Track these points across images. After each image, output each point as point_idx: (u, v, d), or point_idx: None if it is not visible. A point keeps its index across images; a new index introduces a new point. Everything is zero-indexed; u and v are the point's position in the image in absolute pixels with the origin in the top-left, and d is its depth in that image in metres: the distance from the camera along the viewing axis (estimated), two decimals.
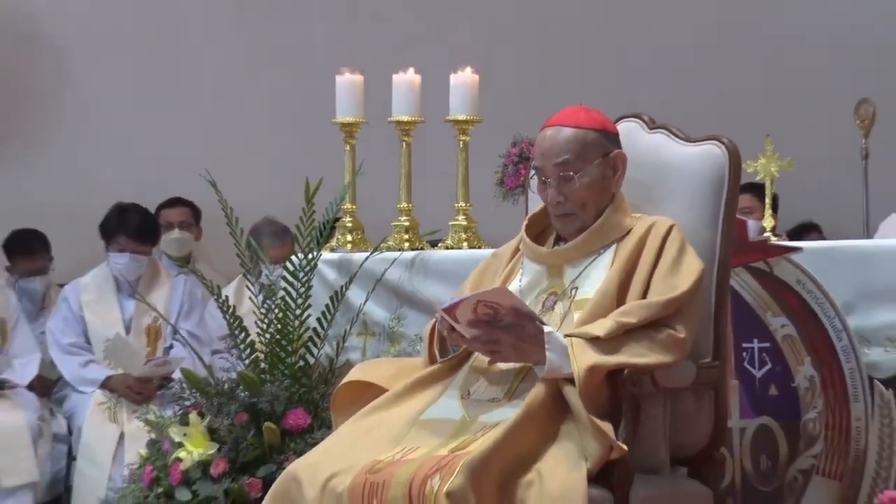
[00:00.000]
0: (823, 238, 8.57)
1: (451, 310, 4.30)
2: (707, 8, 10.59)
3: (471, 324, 4.29)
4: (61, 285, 9.23)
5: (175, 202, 9.37)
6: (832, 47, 10.69)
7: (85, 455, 8.62)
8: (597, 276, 4.48)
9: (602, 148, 4.53)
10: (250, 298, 5.72)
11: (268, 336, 5.55)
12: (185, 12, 9.98)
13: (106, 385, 8.75)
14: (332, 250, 5.91)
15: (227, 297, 5.94)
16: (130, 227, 8.75)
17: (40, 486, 8.65)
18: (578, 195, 4.51)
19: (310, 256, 5.60)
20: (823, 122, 9.25)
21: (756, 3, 10.69)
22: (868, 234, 7.11)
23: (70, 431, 8.82)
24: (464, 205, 5.95)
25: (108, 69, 9.92)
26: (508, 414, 4.25)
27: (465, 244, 5.85)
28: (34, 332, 9.00)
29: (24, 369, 8.82)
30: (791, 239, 7.94)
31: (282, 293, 5.56)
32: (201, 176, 5.84)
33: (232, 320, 5.65)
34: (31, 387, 8.82)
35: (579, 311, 4.43)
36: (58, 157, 9.84)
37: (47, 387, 8.99)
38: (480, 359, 4.43)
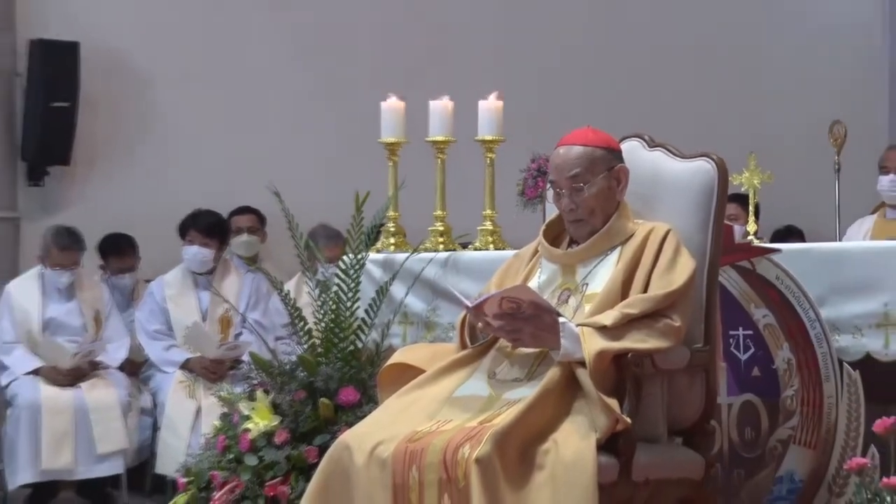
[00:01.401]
0: (804, 241, 8.55)
1: (479, 306, 4.32)
2: (703, 42, 10.61)
3: (496, 316, 4.30)
4: (147, 281, 9.25)
5: (244, 210, 9.40)
6: (809, 75, 10.69)
7: (167, 426, 8.65)
8: (604, 274, 4.48)
9: (607, 162, 4.54)
10: (308, 292, 5.73)
11: (323, 324, 5.55)
12: (253, 48, 10.01)
13: (185, 366, 8.77)
14: (378, 251, 5.92)
15: (288, 291, 5.95)
16: (200, 223, 8.88)
17: (129, 452, 8.68)
18: (587, 203, 4.51)
19: (359, 257, 5.61)
20: (801, 140, 9.23)
21: (742, 39, 10.69)
22: (839, 237, 7.09)
23: (155, 406, 8.85)
24: (490, 212, 5.95)
25: (188, 96, 9.93)
26: (529, 392, 4.26)
27: (491, 246, 5.85)
28: (124, 320, 9.03)
29: (116, 353, 8.85)
30: (775, 241, 7.93)
31: (335, 288, 5.56)
32: (267, 188, 5.85)
33: (292, 311, 5.65)
34: (121, 367, 8.85)
35: (589, 303, 4.43)
36: (144, 171, 9.86)
37: (135, 367, 9.02)
38: (505, 344, 4.43)
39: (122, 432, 8.57)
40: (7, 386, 8.63)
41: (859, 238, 7.81)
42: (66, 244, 8.81)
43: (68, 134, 9.64)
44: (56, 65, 9.55)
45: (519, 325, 4.30)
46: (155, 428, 8.78)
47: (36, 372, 8.61)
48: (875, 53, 10.94)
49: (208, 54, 9.93)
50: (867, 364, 4.79)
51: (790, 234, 9.29)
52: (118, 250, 9.42)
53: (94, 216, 9.51)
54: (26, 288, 8.84)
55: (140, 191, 9.76)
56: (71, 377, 8.60)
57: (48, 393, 8.53)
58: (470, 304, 4.36)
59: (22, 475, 8.49)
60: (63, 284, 8.80)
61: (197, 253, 8.83)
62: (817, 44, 10.84)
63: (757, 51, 10.74)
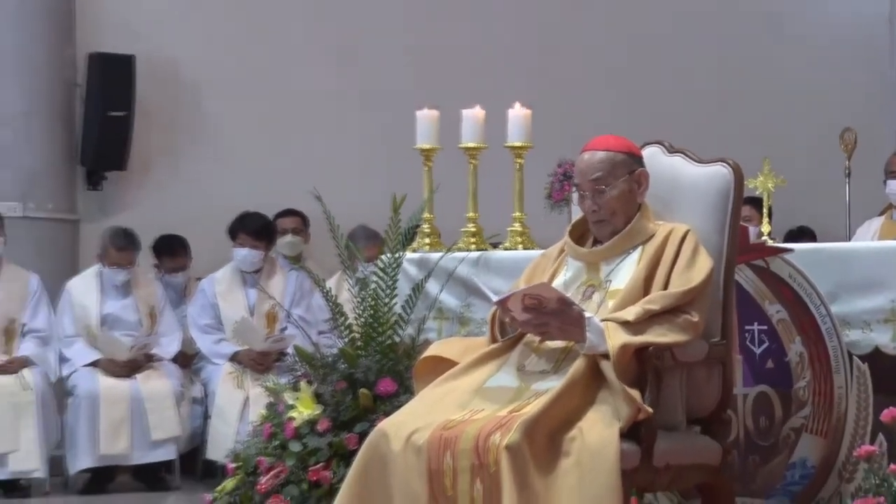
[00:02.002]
0: (815, 241, 8.53)
1: (503, 301, 4.33)
2: (721, 54, 10.61)
3: (525, 310, 4.30)
4: (198, 279, 9.28)
5: (288, 212, 9.41)
6: (820, 85, 10.67)
7: (217, 414, 8.68)
8: (627, 272, 4.47)
9: (628, 166, 4.53)
10: (348, 289, 5.73)
11: (362, 320, 5.56)
12: (297, 60, 10.03)
13: (234, 358, 8.79)
14: (414, 251, 5.92)
15: (330, 288, 5.95)
16: (249, 226, 8.92)
17: (182, 439, 8.70)
18: (609, 205, 4.51)
19: (396, 256, 5.61)
20: (813, 146, 9.19)
21: (757, 52, 10.68)
22: (849, 237, 7.07)
23: (205, 395, 8.87)
24: (519, 214, 5.94)
25: (236, 105, 9.96)
26: (556, 383, 4.25)
27: (520, 246, 5.85)
28: (177, 316, 9.06)
29: (169, 346, 8.88)
30: (789, 241, 7.91)
31: (373, 285, 5.56)
32: (310, 191, 5.85)
33: (334, 307, 5.66)
34: (174, 360, 8.88)
35: (612, 299, 4.42)
36: (195, 176, 9.88)
37: (187, 360, 9.04)
38: (532, 339, 4.43)
39: (175, 420, 8.59)
40: (68, 377, 8.67)
41: (868, 238, 7.78)
42: (122, 244, 8.85)
43: (124, 141, 9.67)
44: (113, 76, 9.59)
45: (546, 318, 4.29)
46: (205, 416, 8.80)
47: (95, 364, 8.64)
48: (884, 63, 10.92)
49: (255, 66, 9.97)
50: (875, 357, 4.77)
51: (802, 234, 9.26)
52: (171, 250, 9.45)
53: (148, 218, 9.54)
54: (86, 285, 8.88)
55: (191, 194, 9.78)
56: (127, 369, 8.63)
57: (106, 383, 8.56)
58: (495, 300, 4.37)
59: (82, 460, 8.52)
60: (120, 282, 8.83)
61: (248, 255, 8.87)
62: (829, 55, 10.82)
63: (771, 62, 10.73)
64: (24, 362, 8.50)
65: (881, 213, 8.09)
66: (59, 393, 8.65)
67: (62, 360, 8.68)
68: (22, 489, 8.46)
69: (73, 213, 9.67)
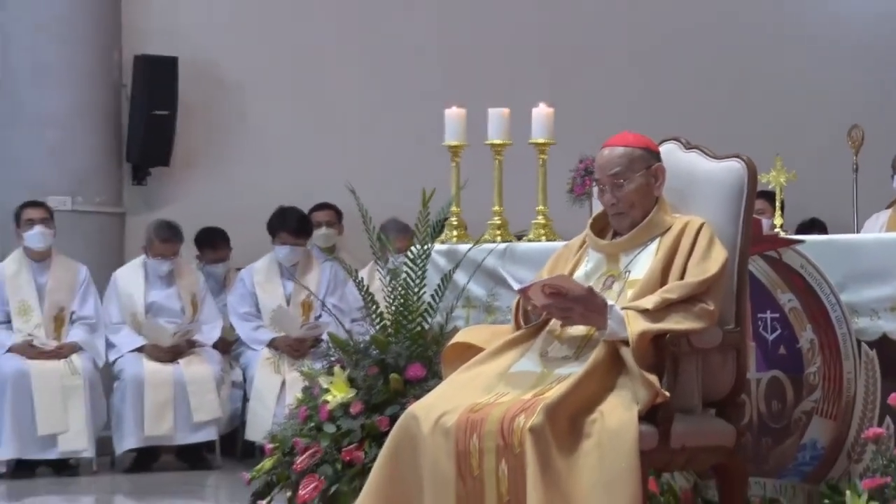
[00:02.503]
0: (826, 232, 8.50)
1: (525, 290, 4.33)
2: (736, 55, 10.61)
3: (549, 297, 4.30)
4: (238, 269, 9.30)
5: (323, 206, 9.42)
6: (829, 84, 10.64)
7: (256, 398, 8.69)
8: (645, 262, 4.46)
9: (645, 161, 4.52)
10: (380, 279, 5.73)
11: (393, 308, 5.55)
12: (332, 61, 10.05)
13: (271, 344, 8.81)
14: (442, 242, 5.91)
15: (362, 278, 5.95)
16: (289, 224, 8.92)
17: (222, 420, 8.73)
18: (627, 198, 4.50)
19: (425, 247, 5.61)
20: (823, 142, 9.16)
21: (770, 54, 10.68)
22: (857, 230, 7.04)
23: (244, 379, 8.89)
24: (542, 208, 5.92)
25: (274, 104, 9.98)
26: (577, 368, 4.25)
27: (543, 238, 5.83)
28: (217, 304, 9.08)
29: (210, 332, 8.89)
30: (801, 232, 7.88)
31: (404, 275, 5.56)
32: (344, 186, 5.85)
33: (366, 296, 5.66)
34: (215, 345, 8.90)
35: (631, 289, 4.41)
36: (235, 171, 9.90)
37: (227, 346, 9.06)
38: (555, 326, 4.42)
39: (216, 403, 8.62)
40: (114, 362, 8.70)
41: (875, 230, 7.76)
42: (166, 236, 8.87)
43: (168, 138, 9.69)
44: (157, 77, 9.61)
45: (570, 305, 4.29)
46: (245, 399, 8.82)
47: (140, 349, 8.67)
48: (891, 63, 10.88)
49: (293, 67, 9.99)
50: (883, 344, 4.75)
51: (814, 226, 9.23)
52: (212, 242, 9.47)
53: (191, 211, 9.56)
54: (131, 275, 8.90)
55: (231, 189, 9.81)
56: (171, 354, 8.65)
57: (150, 368, 8.59)
58: (517, 288, 4.37)
59: (128, 441, 8.55)
60: (164, 272, 8.85)
61: (290, 252, 8.90)
62: (838, 55, 10.80)
63: (783, 62, 10.72)
64: (73, 348, 8.54)
65: (888, 207, 8.07)
66: (107, 377, 8.68)
67: (109, 345, 8.71)
68: (71, 468, 8.50)
69: (119, 206, 9.70)
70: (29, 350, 8.45)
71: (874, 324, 4.75)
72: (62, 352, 8.50)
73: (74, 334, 8.60)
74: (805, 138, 9.92)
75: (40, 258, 8.72)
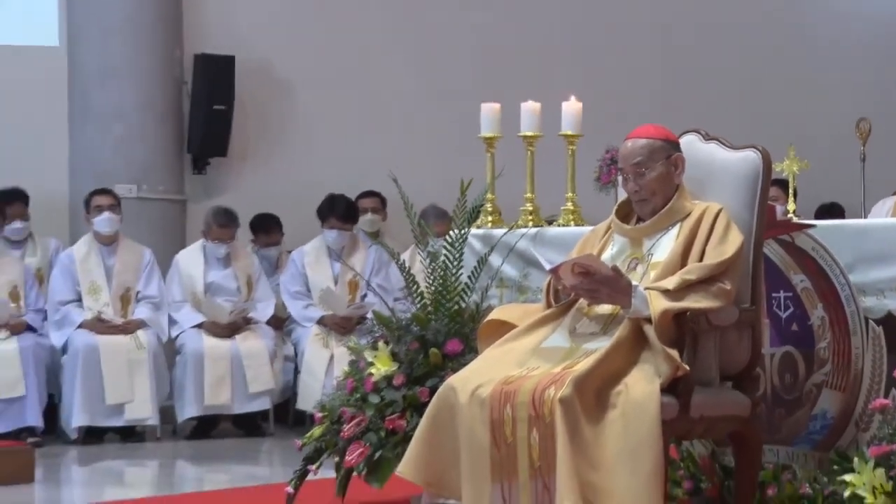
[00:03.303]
0: (844, 216, 8.45)
1: (555, 269, 4.32)
2: (751, 53, 10.58)
3: (577, 277, 4.28)
4: (290, 251, 9.32)
5: (368, 193, 9.43)
6: (839, 79, 10.61)
7: (306, 370, 8.72)
8: (666, 246, 4.44)
9: (666, 151, 4.50)
10: (420, 261, 5.73)
11: (433, 288, 5.55)
12: (377, 59, 10.07)
13: (320, 321, 8.83)
14: (478, 227, 5.90)
15: (404, 260, 5.95)
16: (338, 210, 8.95)
17: (275, 391, 8.77)
18: (649, 186, 4.48)
19: (462, 232, 5.60)
20: (833, 134, 9.11)
21: (783, 52, 10.66)
22: (864, 215, 7.00)
23: (296, 354, 8.92)
24: (571, 195, 5.91)
25: (323, 99, 10.00)
26: (604, 344, 4.23)
27: (572, 223, 5.82)
28: (270, 284, 9.11)
29: (264, 310, 8.92)
30: (820, 216, 7.83)
31: (443, 258, 5.55)
32: (387, 175, 5.85)
33: (408, 277, 5.66)
34: (269, 322, 8.92)
35: (654, 270, 4.40)
36: (287, 162, 9.93)
37: (280, 322, 9.09)
38: (583, 304, 4.41)
39: (270, 375, 8.65)
40: (176, 337, 8.74)
41: (882, 215, 7.69)
42: (224, 222, 8.90)
43: (225, 131, 9.72)
44: (216, 75, 9.63)
45: (598, 286, 4.28)
46: (296, 372, 8.84)
47: (199, 326, 8.71)
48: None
49: (340, 65, 10.01)
50: (889, 321, 4.72)
51: (833, 209, 9.22)
52: (266, 227, 9.50)
53: (246, 199, 9.60)
54: (192, 257, 8.94)
55: (284, 177, 9.84)
56: (228, 330, 8.68)
57: (209, 343, 8.63)
58: (548, 268, 4.36)
59: (189, 410, 8.59)
60: (221, 255, 8.88)
61: (338, 236, 8.93)
62: (847, 52, 10.77)
63: (795, 58, 10.71)
64: (139, 325, 8.58)
65: (894, 193, 8.02)
66: (169, 351, 8.73)
67: (171, 322, 8.75)
68: (137, 435, 8.56)
69: (180, 194, 9.74)
70: (98, 326, 8.50)
71: (881, 302, 4.71)
72: (129, 328, 8.54)
73: (140, 312, 8.65)
74: (817, 129, 9.88)
75: (108, 242, 8.77)
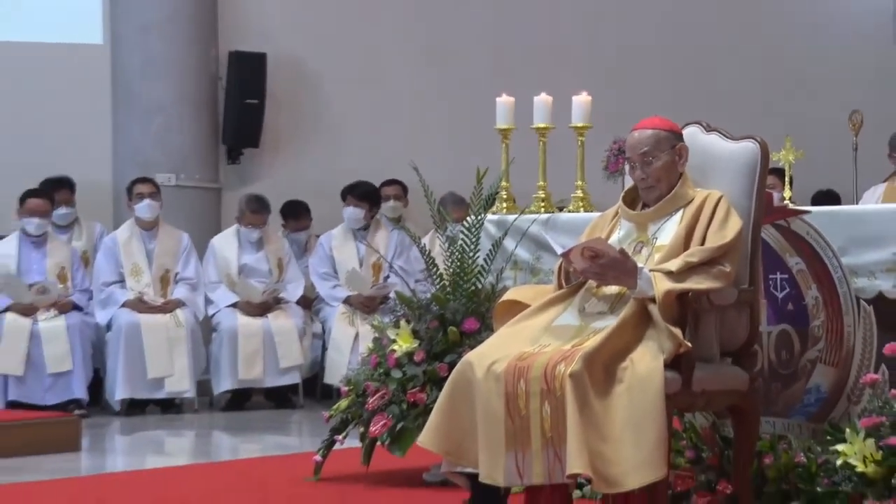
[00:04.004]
0: (840, 202, 8.43)
1: (566, 253, 4.31)
2: (750, 49, 10.55)
3: (587, 259, 4.27)
4: (318, 236, 9.33)
5: (391, 182, 9.42)
6: (832, 73, 10.57)
7: (333, 347, 8.73)
8: (670, 230, 4.42)
9: (671, 141, 4.47)
10: (440, 245, 5.72)
11: (451, 270, 5.54)
12: (399, 57, 10.08)
13: (346, 301, 8.84)
14: (494, 213, 5.88)
15: (424, 244, 5.94)
16: (356, 191, 8.98)
17: (304, 366, 8.79)
18: (655, 174, 4.45)
19: (479, 217, 5.58)
20: (827, 125, 9.08)
21: (781, 50, 10.63)
22: (857, 201, 6.97)
23: (323, 331, 8.93)
24: (581, 183, 5.89)
25: (349, 94, 10.01)
26: (611, 322, 4.21)
27: (581, 209, 5.80)
28: (300, 266, 9.12)
29: (294, 291, 8.94)
30: (817, 201, 7.79)
31: (460, 242, 5.54)
32: (409, 164, 5.84)
33: (428, 260, 5.65)
34: (298, 302, 8.94)
35: (658, 253, 4.37)
36: (315, 152, 9.94)
37: (309, 302, 9.11)
38: (592, 285, 4.39)
39: (299, 352, 8.67)
40: (212, 316, 8.76)
41: (873, 201, 7.68)
42: (256, 208, 8.91)
43: (258, 124, 9.74)
44: (249, 71, 9.64)
45: (605, 268, 4.26)
46: (323, 348, 8.86)
47: (234, 305, 8.73)
48: (888, 54, 10.81)
49: (365, 61, 10.01)
50: (879, 301, 4.69)
51: (830, 196, 9.20)
52: (295, 213, 9.51)
53: (277, 187, 9.61)
54: (226, 241, 8.96)
55: (312, 167, 9.85)
56: (260, 309, 8.70)
57: (243, 321, 8.65)
58: (559, 251, 4.35)
59: (224, 383, 8.62)
60: (254, 238, 8.89)
61: (352, 212, 8.96)
62: (841, 47, 10.73)
63: (792, 53, 10.69)
64: (178, 304, 8.60)
65: (884, 181, 7.99)
66: (206, 329, 8.75)
67: (208, 302, 8.77)
68: (175, 406, 8.59)
69: (216, 183, 9.75)
70: (140, 305, 8.52)
71: (871, 283, 4.69)
72: (168, 307, 8.56)
73: (178, 292, 8.67)
74: (811, 121, 9.84)
75: (149, 227, 8.78)
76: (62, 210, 8.91)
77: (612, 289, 4.34)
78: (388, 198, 9.33)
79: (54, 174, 9.03)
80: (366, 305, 8.75)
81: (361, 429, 5.37)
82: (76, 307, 8.50)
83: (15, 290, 8.34)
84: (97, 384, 8.55)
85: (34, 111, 9.40)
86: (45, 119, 9.39)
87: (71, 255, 8.67)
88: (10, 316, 8.29)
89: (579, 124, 5.85)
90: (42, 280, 8.41)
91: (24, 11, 9.59)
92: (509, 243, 5.68)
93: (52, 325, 8.29)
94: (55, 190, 8.88)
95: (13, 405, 8.15)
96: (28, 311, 8.31)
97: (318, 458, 5.44)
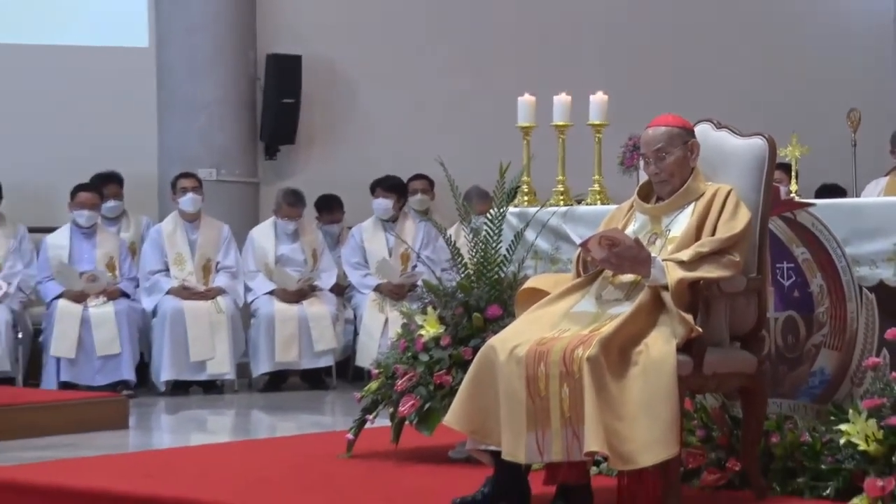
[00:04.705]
0: (844, 195, 8.39)
1: (585, 243, 4.29)
2: (757, 50, 10.53)
3: (603, 249, 4.25)
4: (350, 228, 9.34)
5: (419, 176, 9.43)
6: (832, 73, 10.54)
7: (364, 332, 8.75)
8: (682, 222, 4.40)
9: (683, 138, 4.46)
10: (464, 236, 5.70)
11: (475, 259, 5.53)
12: (427, 58, 10.09)
13: (377, 289, 8.85)
14: (515, 206, 5.86)
15: (450, 235, 5.93)
16: (384, 183, 8.98)
17: (337, 350, 8.80)
18: (668, 168, 4.43)
19: (501, 210, 5.56)
20: (832, 122, 9.03)
21: (786, 46, 10.59)
22: (857, 194, 6.94)
23: (355, 317, 8.95)
24: (598, 177, 5.86)
25: (379, 94, 10.02)
26: (626, 309, 4.20)
27: (598, 202, 5.77)
28: (333, 256, 9.13)
29: (328, 279, 8.96)
30: (821, 195, 7.75)
31: (484, 233, 5.53)
32: (435, 160, 5.83)
33: (453, 250, 5.64)
34: (332, 290, 8.95)
35: (671, 244, 4.36)
36: (348, 149, 9.96)
37: (341, 290, 9.12)
38: (608, 274, 4.38)
39: (332, 336, 8.68)
40: (251, 302, 8.79)
41: (875, 194, 7.64)
42: (292, 201, 8.93)
43: (294, 122, 9.75)
44: (285, 72, 9.65)
45: (620, 259, 4.24)
46: (355, 333, 8.87)
47: (271, 293, 8.74)
48: (887, 55, 10.75)
49: (394, 63, 10.02)
50: (880, 288, 4.67)
51: (836, 189, 9.16)
52: (329, 206, 9.53)
53: (312, 181, 9.63)
54: (264, 232, 8.98)
55: (344, 162, 9.86)
56: (296, 296, 8.72)
57: (280, 307, 8.67)
58: (578, 241, 4.34)
59: (262, 366, 8.64)
60: (290, 230, 8.91)
61: (381, 203, 8.97)
62: (842, 47, 10.69)
63: (797, 54, 10.65)
64: (219, 291, 8.63)
65: (887, 174, 7.95)
66: (245, 315, 8.78)
67: (247, 289, 8.80)
68: (217, 387, 8.62)
69: (254, 177, 9.78)
70: (183, 292, 8.55)
71: (873, 272, 4.66)
72: (210, 294, 8.59)
73: (219, 280, 8.70)
74: (816, 118, 9.80)
75: (192, 219, 8.81)
76: (111, 203, 8.94)
77: (628, 277, 4.32)
78: (415, 191, 9.33)
79: (103, 170, 9.06)
80: (395, 293, 8.75)
81: (391, 409, 5.37)
82: (124, 294, 8.54)
83: (67, 278, 8.39)
84: (143, 367, 8.59)
85: (85, 111, 9.44)
86: (95, 118, 9.43)
87: (119, 245, 8.71)
88: (62, 302, 8.34)
89: (596, 122, 5.82)
90: (92, 269, 8.46)
91: (77, 18, 9.65)
92: (530, 234, 5.66)
93: (101, 311, 8.33)
94: (104, 184, 8.92)
95: (66, 386, 8.20)
96: (79, 297, 8.35)
97: (350, 436, 5.44)
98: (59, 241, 8.59)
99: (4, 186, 8.80)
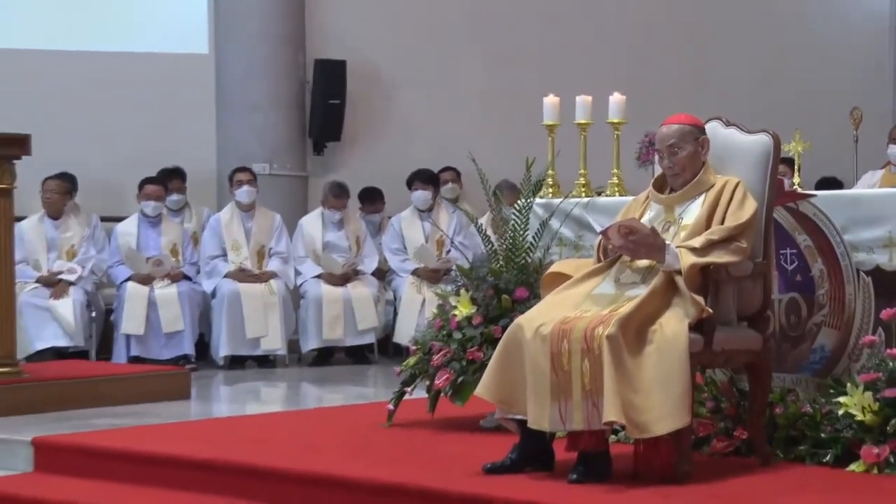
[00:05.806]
0: (841, 187, 8.33)
1: (605, 231, 4.28)
2: (763, 50, 10.45)
3: (622, 237, 4.24)
4: (390, 217, 9.34)
5: (447, 168, 9.43)
6: (835, 72, 10.45)
7: (403, 311, 8.76)
8: (694, 211, 4.39)
9: (694, 134, 4.44)
10: (491, 225, 5.69)
11: (504, 246, 5.52)
12: (460, 61, 10.07)
13: (415, 273, 8.86)
14: (541, 198, 5.85)
15: (481, 223, 5.93)
16: (421, 176, 8.97)
17: (379, 328, 8.80)
18: (681, 162, 4.42)
19: (528, 201, 5.55)
20: (832, 120, 8.95)
21: (791, 47, 10.51)
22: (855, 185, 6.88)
23: (395, 298, 8.95)
24: (616, 171, 5.85)
25: (417, 94, 10.01)
26: (643, 291, 4.19)
27: (617, 193, 5.76)
28: (375, 243, 9.14)
29: (370, 264, 8.96)
30: (821, 187, 7.70)
31: (512, 222, 5.52)
32: (467, 156, 5.83)
33: (484, 237, 5.63)
34: (374, 274, 8.95)
35: (683, 231, 4.35)
36: (388, 145, 9.95)
37: (382, 274, 9.12)
38: (626, 259, 4.37)
39: (374, 316, 8.69)
40: (301, 285, 8.81)
41: (870, 183, 7.58)
42: (338, 193, 8.94)
43: (339, 121, 9.76)
44: (331, 75, 9.66)
45: (636, 245, 4.23)
46: (395, 313, 8.88)
47: (319, 276, 8.76)
48: (886, 55, 10.65)
49: (430, 67, 10.01)
50: (876, 272, 4.64)
51: (834, 181, 9.09)
52: (371, 197, 9.53)
53: (356, 175, 9.64)
54: (312, 221, 9.00)
55: (385, 158, 9.86)
56: (341, 279, 8.73)
57: (327, 290, 8.69)
58: (599, 230, 4.32)
59: (311, 343, 8.67)
60: (336, 219, 8.92)
61: (420, 194, 8.96)
62: (843, 50, 10.60)
63: (801, 54, 10.58)
64: (271, 275, 8.66)
65: (883, 167, 7.89)
66: (295, 296, 8.80)
67: (297, 273, 8.82)
68: (270, 362, 8.65)
69: (303, 171, 9.80)
70: (240, 275, 8.59)
71: (870, 257, 4.63)
72: (263, 277, 8.62)
73: (272, 265, 8.73)
74: (818, 115, 9.71)
75: (247, 209, 8.85)
76: (174, 196, 8.99)
77: (644, 262, 4.31)
78: (446, 181, 9.37)
79: (168, 165, 9.12)
80: (431, 276, 8.76)
81: (427, 382, 5.38)
82: (186, 277, 8.59)
83: (135, 262, 8.46)
84: (203, 343, 8.64)
85: (152, 112, 9.49)
86: (160, 118, 9.48)
87: (182, 233, 8.75)
88: (131, 285, 8.40)
89: (615, 120, 5.80)
90: (157, 254, 8.51)
91: (144, 29, 9.73)
92: (555, 223, 5.65)
93: (166, 292, 8.39)
94: (169, 179, 8.97)
95: (135, 360, 8.27)
96: (146, 280, 8.42)
97: (390, 406, 5.46)
98: (128, 230, 8.65)
99: (80, 180, 8.90)
